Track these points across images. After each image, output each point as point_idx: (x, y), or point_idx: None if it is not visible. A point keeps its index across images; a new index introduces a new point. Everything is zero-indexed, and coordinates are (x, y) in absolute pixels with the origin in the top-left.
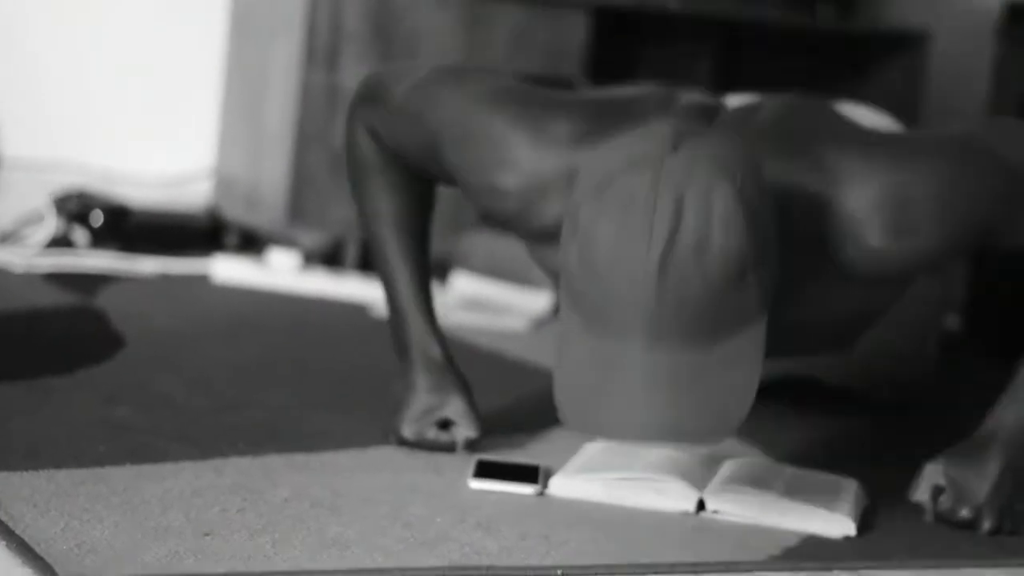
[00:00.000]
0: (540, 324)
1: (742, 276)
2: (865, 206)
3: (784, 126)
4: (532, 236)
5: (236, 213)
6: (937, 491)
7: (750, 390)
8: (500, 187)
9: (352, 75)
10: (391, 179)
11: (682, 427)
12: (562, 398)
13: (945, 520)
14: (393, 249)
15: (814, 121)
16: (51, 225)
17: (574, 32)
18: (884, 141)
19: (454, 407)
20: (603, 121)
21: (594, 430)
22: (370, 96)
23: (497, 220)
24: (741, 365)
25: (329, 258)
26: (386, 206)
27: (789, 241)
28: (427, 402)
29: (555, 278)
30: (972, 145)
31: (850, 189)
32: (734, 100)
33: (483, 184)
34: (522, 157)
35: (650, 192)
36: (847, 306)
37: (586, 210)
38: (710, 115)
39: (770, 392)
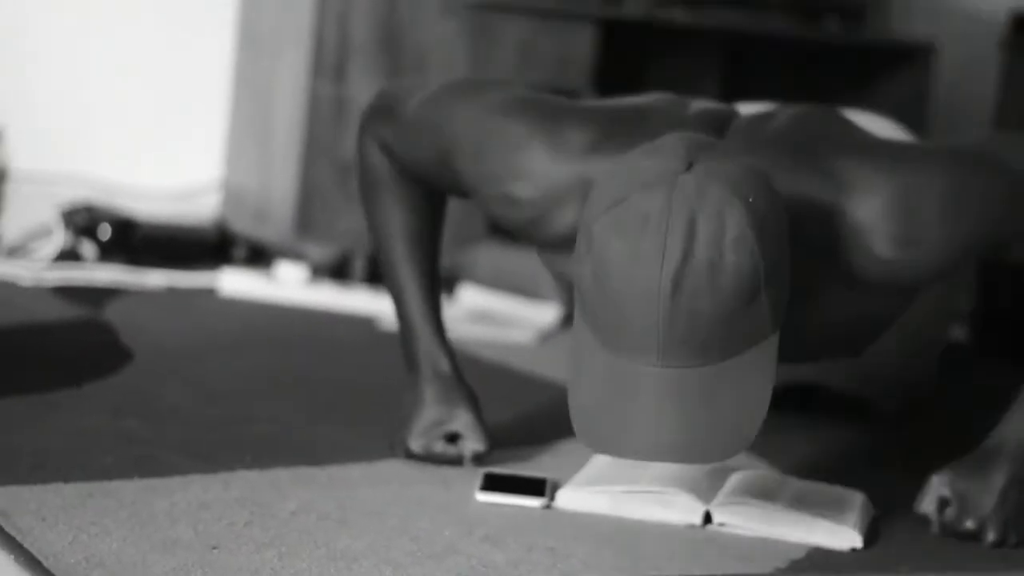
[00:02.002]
0: (547, 337)
1: (755, 295)
2: (873, 215)
3: (796, 135)
4: (545, 244)
5: (244, 226)
6: (943, 503)
7: (763, 405)
8: (515, 196)
9: (360, 87)
10: (402, 193)
11: (696, 446)
12: (576, 415)
13: (950, 532)
14: (403, 262)
15: (826, 130)
16: (59, 239)
17: (580, 44)
18: (894, 150)
19: (462, 420)
20: (616, 130)
21: (608, 449)
22: (382, 111)
23: (510, 229)
24: (754, 380)
25: (337, 271)
26: (397, 220)
27: (799, 249)
28: (435, 415)
29: (565, 286)
30: (981, 156)
31: (859, 198)
32: (747, 108)
33: (498, 194)
34: (537, 167)
35: (663, 212)
36: (855, 313)
37: (600, 228)
38: (723, 123)
39: (776, 400)
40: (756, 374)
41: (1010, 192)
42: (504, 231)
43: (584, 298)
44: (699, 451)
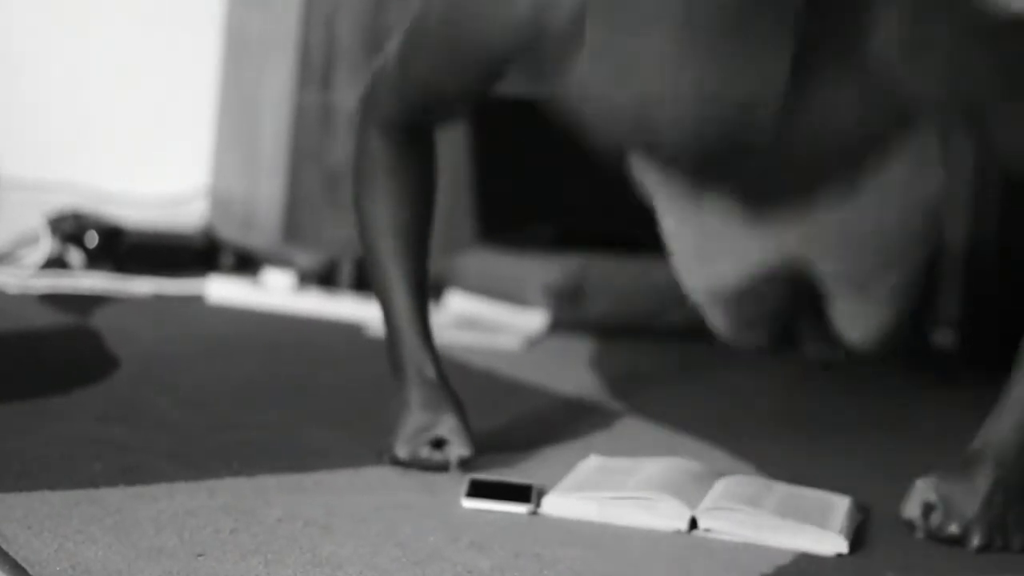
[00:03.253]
0: (534, 343)
1: None
2: (894, 15)
3: None
4: (551, 59)
5: (231, 233)
6: (928, 508)
7: (784, 62)
8: (508, 13)
9: (346, 95)
10: (395, 185)
11: (719, 89)
12: (592, 90)
13: (936, 537)
14: (391, 263)
15: None
16: (46, 246)
17: None
18: None
19: (447, 425)
20: None
21: (628, 99)
22: (372, 87)
23: (518, 59)
24: (773, 41)
25: (324, 278)
26: (386, 216)
27: (812, 8)
28: (420, 420)
29: (571, 111)
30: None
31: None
32: None
33: (491, 21)
34: None
35: None
36: (849, 123)
37: None
38: None
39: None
40: (775, 36)
41: None
42: (492, 235)
43: (596, 20)
44: (722, 95)
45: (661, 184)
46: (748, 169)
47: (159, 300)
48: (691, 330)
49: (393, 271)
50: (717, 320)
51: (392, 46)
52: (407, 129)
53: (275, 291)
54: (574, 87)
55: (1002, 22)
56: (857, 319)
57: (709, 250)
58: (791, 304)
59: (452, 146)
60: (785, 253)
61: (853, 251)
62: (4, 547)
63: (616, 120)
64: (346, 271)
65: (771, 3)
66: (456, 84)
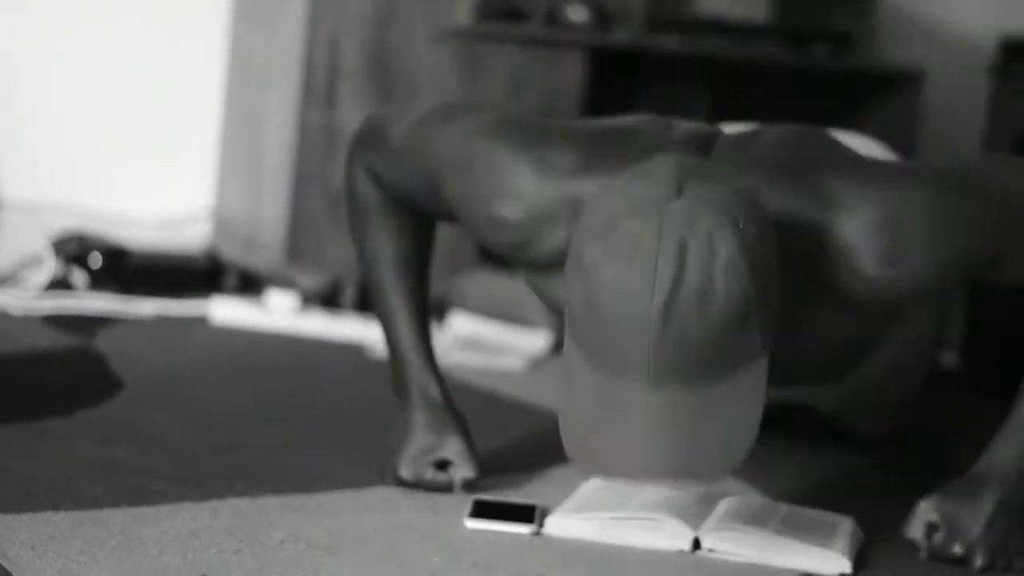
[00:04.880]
0: (537, 364)
1: (744, 320)
2: (860, 233)
3: (782, 153)
4: (533, 266)
5: (235, 254)
6: (931, 528)
7: (752, 427)
8: (502, 218)
9: (350, 115)
10: (391, 221)
11: (684, 467)
12: (567, 436)
13: (939, 557)
14: (392, 291)
15: (812, 148)
16: (50, 267)
17: (571, 72)
18: (881, 168)
19: (452, 447)
20: (602, 150)
21: (597, 469)
22: (370, 137)
23: (498, 251)
24: (743, 402)
25: (327, 299)
26: (385, 248)
27: (786, 268)
28: (425, 442)
29: (554, 310)
30: (968, 175)
31: (846, 216)
32: (731, 128)
33: (485, 215)
34: (523, 187)
35: (654, 238)
36: (842, 332)
37: (590, 253)
38: (707, 143)
39: (764, 421)
40: (746, 397)
41: (996, 211)
42: (494, 257)
43: (575, 322)
44: (687, 471)
45: None
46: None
47: (163, 321)
48: None
49: (395, 298)
50: None
51: (404, 117)
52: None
53: (278, 312)
54: (558, 295)
55: (961, 175)
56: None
57: None
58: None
59: None
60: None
61: (845, 394)
62: (8, 568)
63: (584, 465)
64: (349, 292)
65: (745, 340)
66: (435, 213)
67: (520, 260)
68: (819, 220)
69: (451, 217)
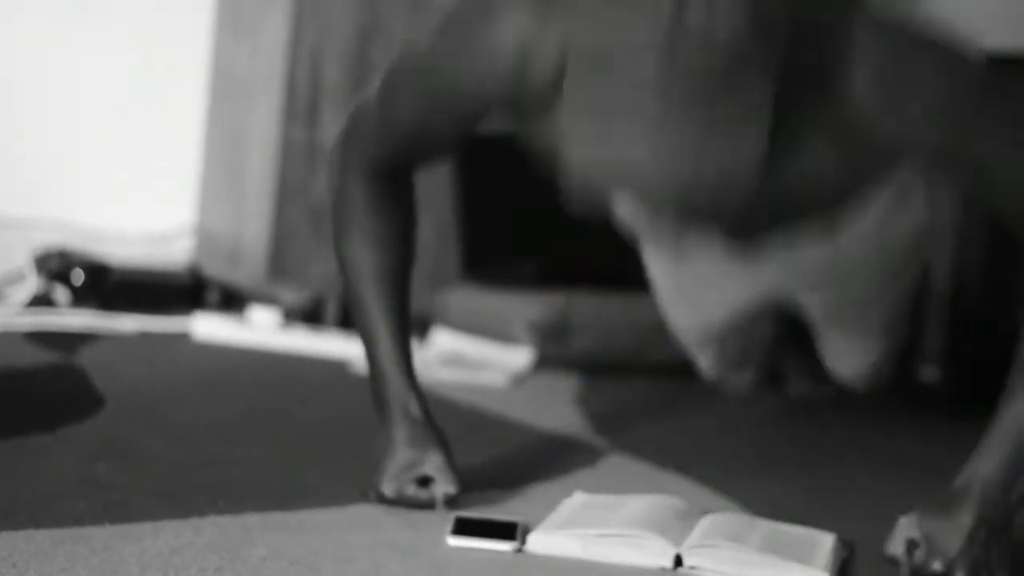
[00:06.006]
0: (519, 380)
1: (750, 49)
2: (871, 63)
3: None
4: (533, 108)
5: (217, 270)
6: (912, 545)
7: (761, 138)
8: (492, 58)
9: (332, 132)
10: (375, 230)
11: (692, 169)
12: (571, 147)
13: (919, 574)
14: (374, 304)
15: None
16: (32, 284)
17: None
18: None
19: (433, 463)
20: None
21: (601, 170)
22: (351, 126)
23: (500, 108)
24: (750, 118)
25: (310, 315)
26: (368, 259)
27: (789, 70)
28: (406, 458)
29: (551, 155)
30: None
31: (862, 42)
32: None
33: (478, 71)
34: (503, 28)
35: None
36: (834, 171)
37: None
38: None
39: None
40: (752, 112)
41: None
42: (477, 272)
43: (577, 80)
44: (701, 169)
45: (645, 228)
46: (730, 219)
47: (145, 337)
48: (675, 366)
49: (375, 312)
50: (703, 361)
51: (373, 86)
52: (386, 170)
53: (261, 328)
54: (554, 138)
55: (978, 63)
56: (845, 353)
57: (694, 290)
58: (778, 344)
59: (437, 183)
60: (770, 290)
61: (837, 284)
62: None
63: (594, 179)
64: (331, 308)
65: (749, 71)
66: (436, 129)
67: (520, 116)
68: (835, 31)
69: (462, 124)
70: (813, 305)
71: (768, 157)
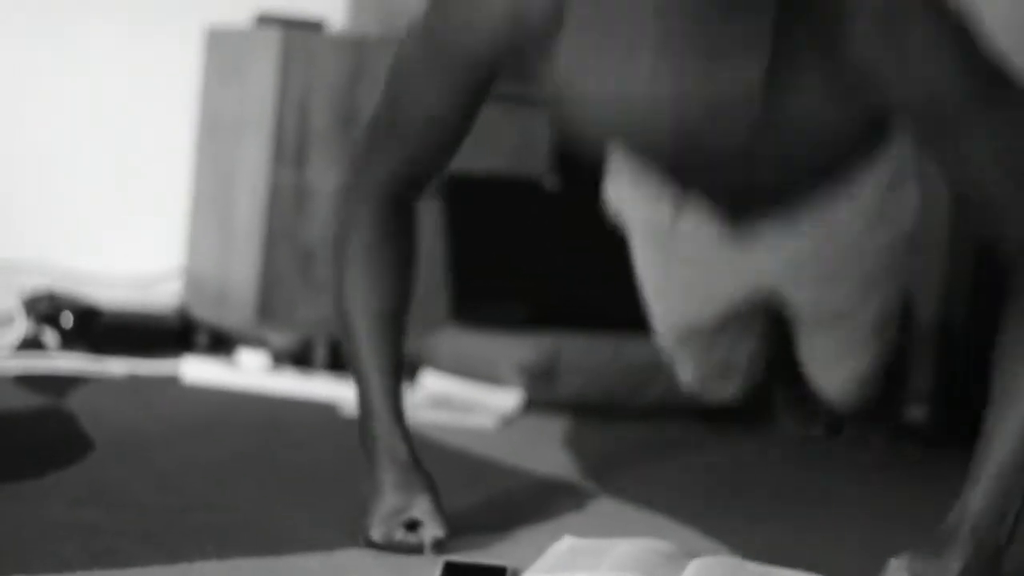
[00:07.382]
0: (508, 422)
1: None
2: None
3: None
4: (534, 54)
5: (206, 313)
6: None
7: (761, 63)
8: (487, 9)
9: (321, 174)
10: (377, 267)
11: (698, 87)
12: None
13: None
14: (367, 345)
15: None
16: (21, 327)
17: (540, 129)
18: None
19: (420, 507)
20: None
21: (605, 95)
22: (363, 140)
23: (502, 61)
24: (749, 41)
25: (298, 358)
26: (366, 298)
27: (792, 17)
28: (394, 502)
29: (553, 107)
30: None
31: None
32: None
33: (471, 22)
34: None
35: None
36: (828, 123)
37: None
38: None
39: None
40: (751, 44)
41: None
42: (466, 315)
43: (575, 9)
44: (699, 95)
45: (637, 208)
46: (725, 168)
47: (134, 381)
48: (665, 408)
49: (368, 351)
50: (686, 371)
51: (377, 103)
52: (396, 193)
53: (249, 371)
54: (554, 81)
55: (976, 31)
56: (832, 364)
57: (682, 283)
58: (764, 358)
59: (426, 226)
60: (758, 286)
61: (823, 284)
62: None
63: (594, 114)
64: (320, 351)
65: (747, 4)
66: (446, 115)
67: (522, 69)
68: None
69: (468, 96)
70: (799, 304)
71: (768, 84)
